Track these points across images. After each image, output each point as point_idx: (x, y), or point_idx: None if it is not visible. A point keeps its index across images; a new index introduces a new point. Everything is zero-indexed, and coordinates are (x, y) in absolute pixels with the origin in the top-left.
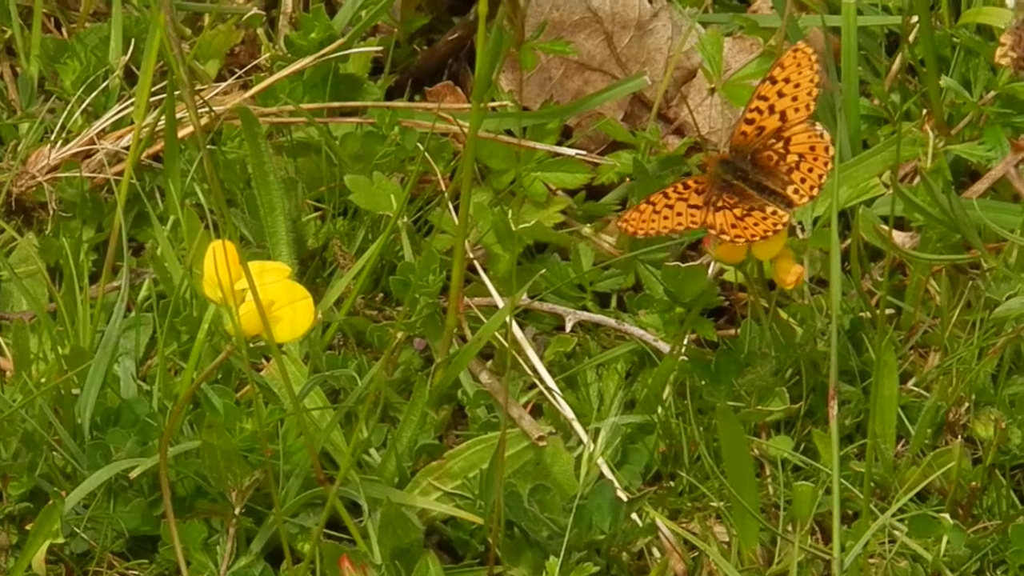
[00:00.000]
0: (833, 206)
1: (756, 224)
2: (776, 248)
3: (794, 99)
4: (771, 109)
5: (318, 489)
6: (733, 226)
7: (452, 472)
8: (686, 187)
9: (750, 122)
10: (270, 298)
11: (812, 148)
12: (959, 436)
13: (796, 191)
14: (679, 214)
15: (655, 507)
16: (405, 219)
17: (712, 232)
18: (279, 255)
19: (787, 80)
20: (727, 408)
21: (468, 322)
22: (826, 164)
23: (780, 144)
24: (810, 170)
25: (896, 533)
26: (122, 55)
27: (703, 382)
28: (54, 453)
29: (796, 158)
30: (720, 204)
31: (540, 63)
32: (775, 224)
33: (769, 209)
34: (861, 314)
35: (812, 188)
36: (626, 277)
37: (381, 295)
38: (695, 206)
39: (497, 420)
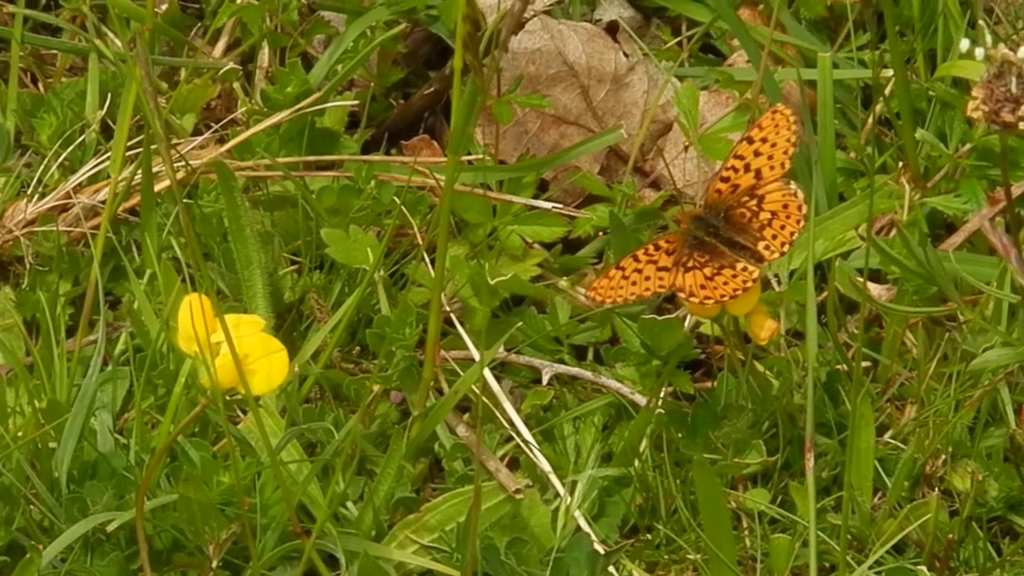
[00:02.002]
0: (809, 259)
1: (726, 283)
2: (750, 304)
3: (770, 158)
4: (747, 168)
5: (295, 542)
6: (702, 287)
7: (429, 525)
8: (657, 248)
9: (725, 180)
10: (245, 351)
11: (785, 206)
12: (936, 488)
13: (767, 247)
14: (647, 278)
15: (632, 560)
16: (381, 272)
17: (681, 295)
18: (256, 308)
19: (764, 140)
20: (704, 461)
21: (445, 375)
22: (798, 222)
23: (754, 202)
24: (782, 227)
25: None
26: (98, 109)
27: (680, 435)
28: (31, 507)
29: (769, 215)
30: (690, 264)
31: (516, 117)
32: (744, 282)
33: (739, 265)
34: (837, 367)
35: (783, 244)
36: (603, 330)
37: (358, 348)
38: (664, 268)
39: (474, 473)
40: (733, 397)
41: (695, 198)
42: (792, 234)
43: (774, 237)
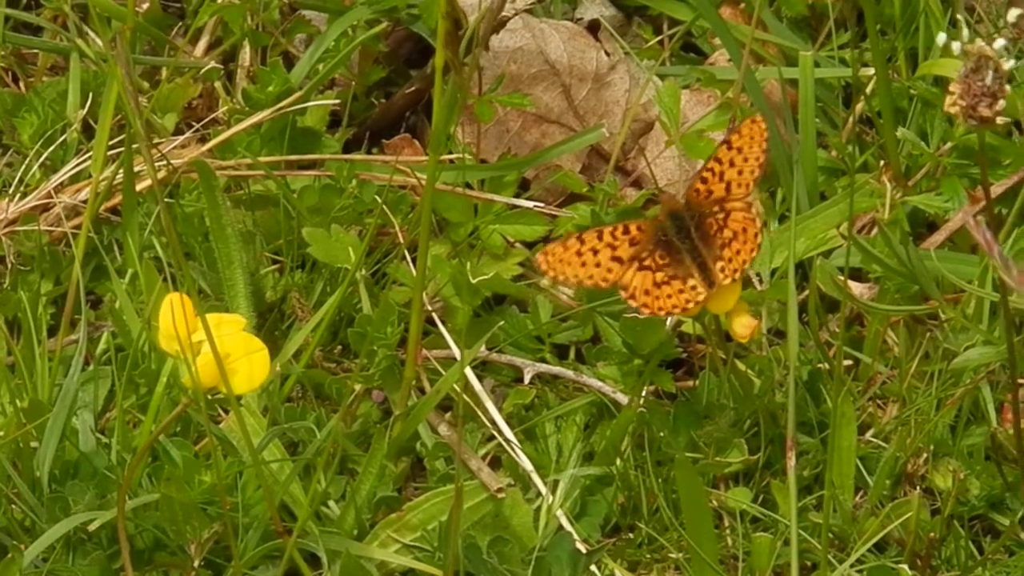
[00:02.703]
0: (790, 257)
1: (670, 296)
2: (731, 302)
3: (740, 172)
4: (721, 176)
5: (277, 542)
6: (646, 292)
7: (411, 524)
8: (625, 232)
9: (704, 180)
10: (226, 350)
11: (744, 230)
12: (917, 487)
13: (723, 269)
14: (598, 264)
15: (614, 559)
16: (363, 272)
17: (623, 294)
18: (237, 308)
19: (739, 150)
20: (686, 460)
21: (426, 374)
22: (751, 251)
23: (721, 216)
24: (737, 252)
25: None
26: (80, 109)
27: (661, 434)
28: (13, 506)
29: (730, 235)
30: (648, 262)
31: (498, 115)
32: (688, 301)
33: (690, 282)
34: (819, 365)
35: (735, 271)
36: (584, 329)
37: (339, 347)
38: (618, 259)
39: (456, 472)
40: (715, 396)
41: (676, 197)
42: (744, 262)
43: (729, 261)
